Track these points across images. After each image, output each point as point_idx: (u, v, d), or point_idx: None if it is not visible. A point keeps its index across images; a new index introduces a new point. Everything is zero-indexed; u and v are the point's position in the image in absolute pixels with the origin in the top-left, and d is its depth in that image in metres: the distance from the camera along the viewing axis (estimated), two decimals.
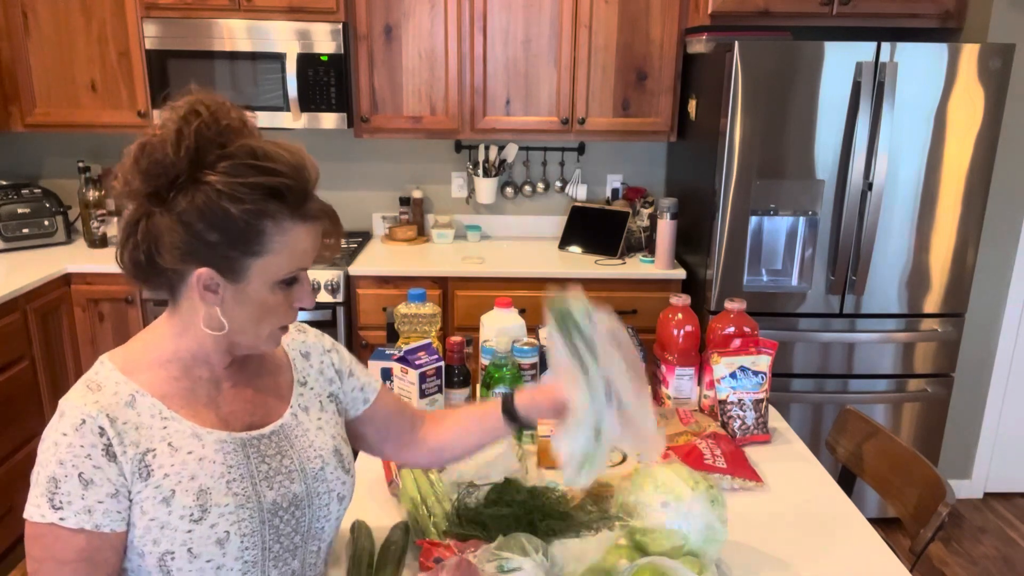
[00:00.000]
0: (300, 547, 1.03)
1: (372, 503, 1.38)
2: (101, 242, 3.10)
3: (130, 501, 0.93)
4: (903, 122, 2.50)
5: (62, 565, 0.90)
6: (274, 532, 0.99)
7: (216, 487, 0.95)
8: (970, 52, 2.44)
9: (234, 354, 1.03)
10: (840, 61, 2.45)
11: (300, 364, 1.13)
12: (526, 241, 3.40)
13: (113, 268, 2.86)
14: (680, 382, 1.75)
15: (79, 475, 0.89)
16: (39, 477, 0.90)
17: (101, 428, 0.91)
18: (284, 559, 1.01)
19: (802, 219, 2.62)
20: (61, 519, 0.88)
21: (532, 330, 1.83)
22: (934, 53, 2.45)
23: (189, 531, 0.93)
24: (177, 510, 0.93)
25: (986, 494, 3.13)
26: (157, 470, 0.93)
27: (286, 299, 0.98)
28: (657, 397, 1.82)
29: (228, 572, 0.95)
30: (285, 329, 1.02)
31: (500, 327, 1.72)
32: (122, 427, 0.92)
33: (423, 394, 1.56)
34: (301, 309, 1.01)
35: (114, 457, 0.91)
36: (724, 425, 1.65)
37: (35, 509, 0.89)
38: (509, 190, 3.36)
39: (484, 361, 1.69)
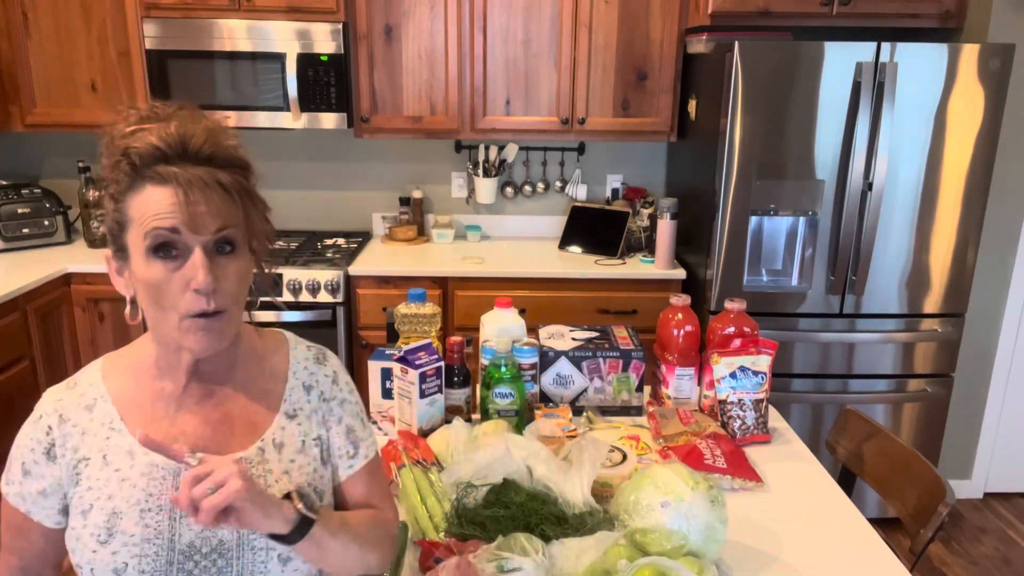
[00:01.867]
0: None
1: None
2: (101, 242, 3.10)
3: (67, 503, 0.95)
4: (903, 122, 2.50)
5: (8, 532, 0.98)
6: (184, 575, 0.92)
7: (129, 513, 0.91)
8: (970, 52, 2.44)
9: (190, 358, 0.95)
10: (840, 61, 2.45)
11: (296, 395, 1.02)
12: (526, 241, 3.40)
13: None
14: (680, 382, 1.75)
15: (22, 464, 0.95)
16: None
17: (49, 427, 0.95)
18: None
19: (802, 219, 2.62)
20: (6, 494, 0.97)
21: (532, 330, 1.83)
22: (934, 53, 2.45)
23: (94, 551, 0.91)
24: (89, 527, 0.92)
25: (986, 494, 3.13)
26: (84, 480, 0.93)
27: (170, 275, 0.86)
28: (657, 397, 1.82)
29: None
30: (202, 325, 0.88)
31: (500, 327, 1.72)
32: (70, 430, 0.94)
33: (423, 394, 1.56)
34: (197, 291, 0.86)
35: (54, 458, 0.94)
36: (724, 425, 1.65)
37: (3, 479, 0.98)
38: (509, 190, 3.36)
39: (484, 361, 1.69)
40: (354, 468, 1.04)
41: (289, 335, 1.09)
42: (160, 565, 0.91)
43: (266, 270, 0.98)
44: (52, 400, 0.96)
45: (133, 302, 0.93)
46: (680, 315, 1.74)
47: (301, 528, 0.88)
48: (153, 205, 0.85)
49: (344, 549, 0.94)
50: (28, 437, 0.95)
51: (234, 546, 0.93)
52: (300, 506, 0.89)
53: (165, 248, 0.86)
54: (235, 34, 2.83)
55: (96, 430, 0.94)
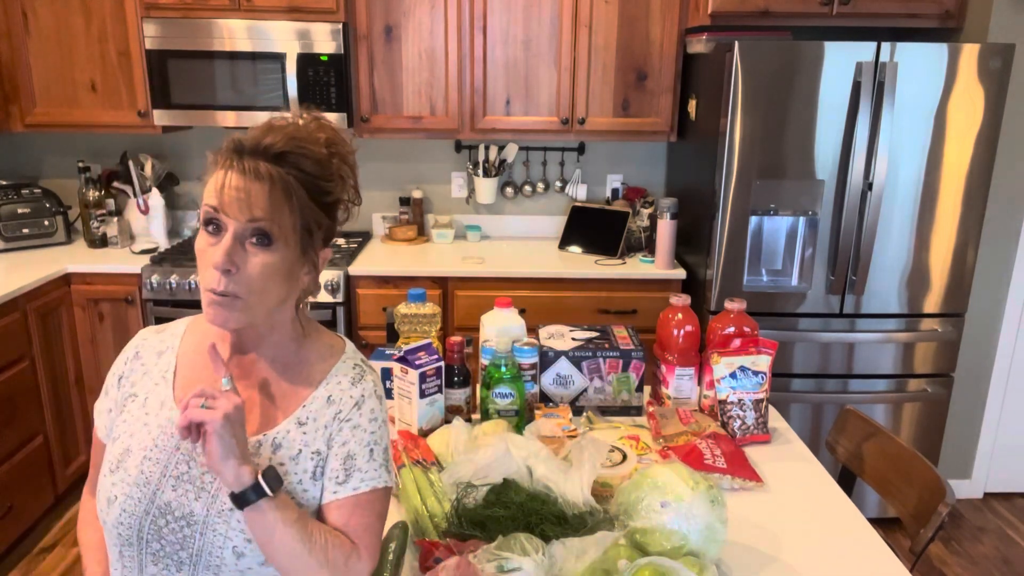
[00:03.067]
0: (187, 564, 0.97)
1: None
2: (101, 242, 3.10)
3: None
4: (903, 122, 2.50)
5: (94, 450, 1.12)
6: (155, 530, 0.97)
7: (135, 455, 1.00)
8: (970, 52, 2.44)
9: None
10: (840, 61, 2.45)
11: (315, 405, 1.02)
12: (526, 241, 3.40)
13: (113, 268, 2.87)
14: (680, 382, 1.75)
15: (106, 384, 1.09)
16: None
17: (127, 359, 1.07)
18: (166, 566, 0.97)
19: (802, 219, 2.62)
20: (93, 408, 1.13)
21: (532, 330, 1.83)
22: (934, 53, 2.45)
23: (104, 476, 1.02)
24: (110, 453, 1.03)
25: (986, 494, 3.13)
26: (124, 412, 1.04)
27: (207, 248, 0.93)
28: (657, 397, 1.82)
29: (108, 533, 1.00)
30: (211, 300, 0.92)
31: (500, 327, 1.72)
32: (138, 367, 1.06)
33: (423, 394, 1.56)
34: (214, 268, 0.92)
35: (120, 386, 1.06)
36: (724, 425, 1.65)
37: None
38: (509, 190, 3.36)
39: (484, 361, 1.69)
40: (337, 496, 1.00)
41: (350, 349, 1.09)
42: (138, 511, 0.97)
43: (304, 275, 1.00)
44: (140, 338, 1.09)
45: None
46: (680, 315, 1.74)
47: (250, 494, 0.90)
48: (211, 185, 0.93)
49: (291, 545, 0.92)
50: (116, 363, 1.09)
51: (201, 521, 0.96)
52: (259, 476, 0.92)
53: (211, 224, 0.93)
54: (235, 34, 2.83)
55: (154, 375, 1.05)
